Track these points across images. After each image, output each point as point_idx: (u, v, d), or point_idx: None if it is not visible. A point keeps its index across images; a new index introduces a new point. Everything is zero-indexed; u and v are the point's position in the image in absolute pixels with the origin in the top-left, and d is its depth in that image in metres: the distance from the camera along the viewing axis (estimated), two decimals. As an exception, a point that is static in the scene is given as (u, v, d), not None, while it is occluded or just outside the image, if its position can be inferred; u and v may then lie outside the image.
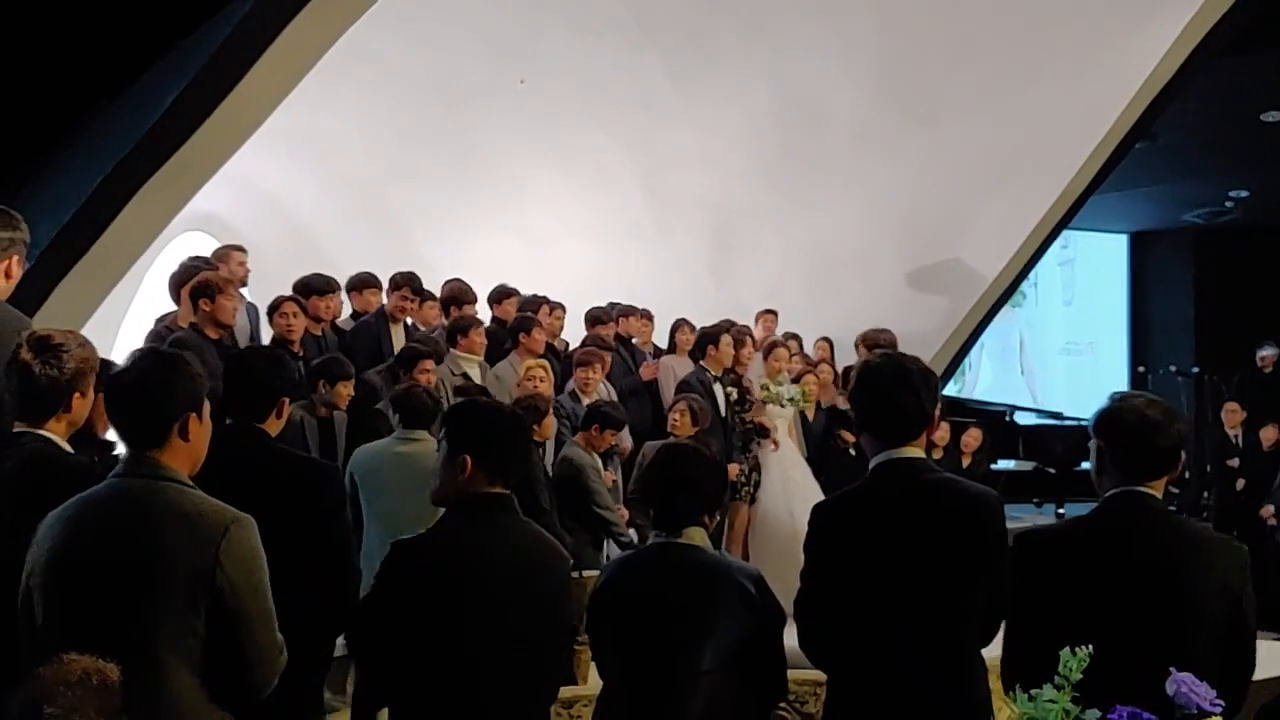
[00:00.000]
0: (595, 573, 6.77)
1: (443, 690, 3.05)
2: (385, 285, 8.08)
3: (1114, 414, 3.15)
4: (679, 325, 9.55)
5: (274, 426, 3.82)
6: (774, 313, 10.84)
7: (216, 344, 6.24)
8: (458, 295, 8.31)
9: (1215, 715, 1.95)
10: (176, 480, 2.75)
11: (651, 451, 7.57)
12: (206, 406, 2.87)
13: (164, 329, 6.82)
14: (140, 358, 2.93)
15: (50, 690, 1.86)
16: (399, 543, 3.24)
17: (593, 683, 6.41)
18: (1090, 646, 2.01)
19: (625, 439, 8.17)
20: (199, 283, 6.44)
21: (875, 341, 8.65)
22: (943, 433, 10.74)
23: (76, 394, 3.23)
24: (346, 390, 6.37)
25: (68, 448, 3.26)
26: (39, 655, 2.33)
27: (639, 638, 3.30)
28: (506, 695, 3.07)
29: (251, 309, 7.50)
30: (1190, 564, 3.00)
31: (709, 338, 8.62)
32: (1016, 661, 3.07)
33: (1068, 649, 1.88)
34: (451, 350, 7.43)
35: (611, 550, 7.46)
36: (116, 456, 3.07)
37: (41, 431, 3.21)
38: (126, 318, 10.29)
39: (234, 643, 2.68)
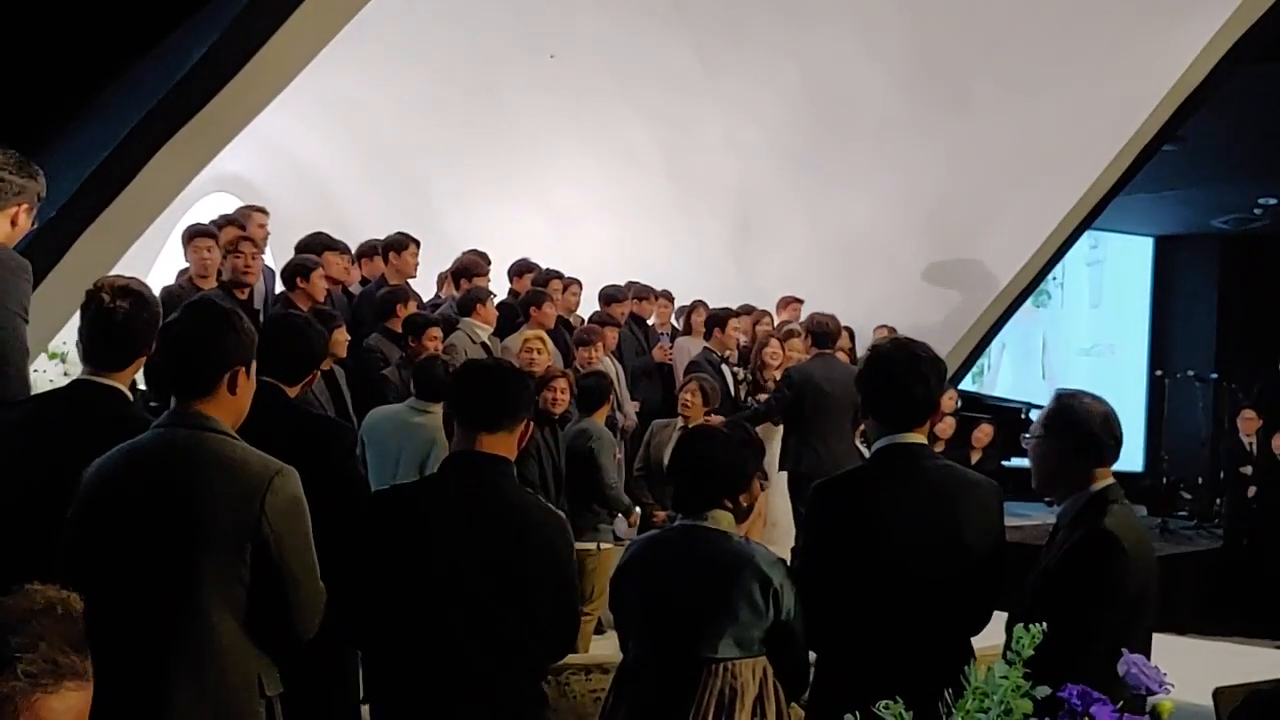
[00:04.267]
0: (610, 546, 6.83)
1: (409, 641, 3.04)
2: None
3: (1078, 409, 3.19)
4: (695, 306, 9.59)
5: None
6: (799, 300, 10.74)
7: (245, 304, 6.30)
8: (469, 267, 8.32)
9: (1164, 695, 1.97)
10: (221, 431, 2.78)
11: (659, 429, 7.65)
12: (254, 364, 2.91)
13: (178, 286, 6.88)
14: (195, 308, 2.96)
15: (14, 620, 1.87)
16: (375, 492, 3.29)
17: (584, 652, 6.46)
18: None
19: (630, 414, 8.21)
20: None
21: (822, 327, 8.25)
22: (946, 426, 10.72)
23: (150, 345, 3.17)
24: (343, 337, 6.32)
25: (130, 398, 3.25)
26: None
27: (658, 620, 3.28)
28: (476, 655, 3.01)
29: (268, 272, 7.52)
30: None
31: (716, 320, 8.79)
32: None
33: (1020, 625, 1.89)
34: (466, 319, 7.44)
35: (619, 525, 7.52)
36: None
37: (112, 383, 3.17)
38: (151, 274, 10.35)
39: (278, 591, 2.73)
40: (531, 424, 3.28)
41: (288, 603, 2.75)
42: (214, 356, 2.81)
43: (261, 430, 2.94)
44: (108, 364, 3.17)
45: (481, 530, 3.04)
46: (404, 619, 3.04)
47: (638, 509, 7.25)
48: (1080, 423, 3.18)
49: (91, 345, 3.18)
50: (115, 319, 3.11)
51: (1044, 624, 1.85)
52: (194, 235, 6.88)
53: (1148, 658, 2.25)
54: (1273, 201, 15.01)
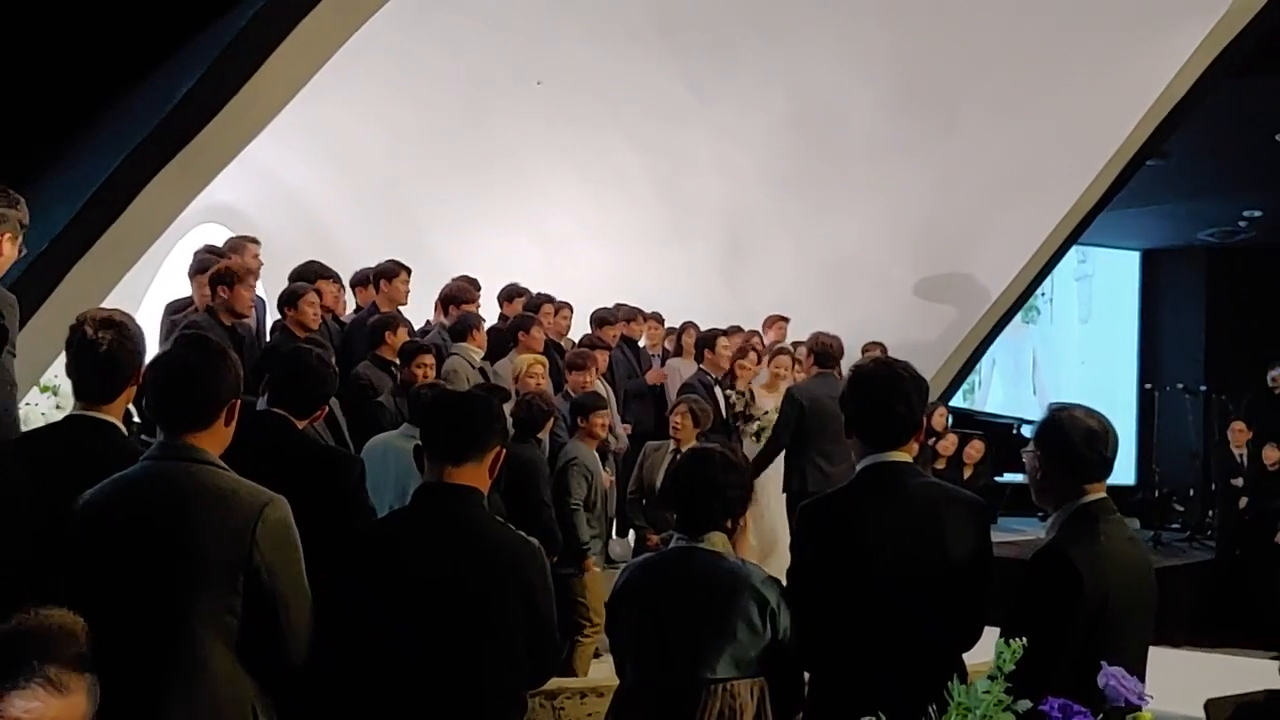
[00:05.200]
0: (598, 571, 6.78)
1: (385, 674, 3.01)
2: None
3: (1064, 424, 3.20)
4: (685, 328, 9.62)
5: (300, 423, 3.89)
6: (785, 319, 10.79)
7: (230, 331, 6.32)
8: (457, 294, 8.35)
9: (1144, 709, 1.99)
10: (211, 463, 2.82)
11: (652, 451, 7.65)
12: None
13: (179, 314, 6.91)
14: (190, 344, 3.03)
15: (21, 641, 1.92)
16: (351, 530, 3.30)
17: (582, 675, 6.45)
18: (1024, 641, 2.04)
19: (621, 438, 8.21)
20: (221, 270, 6.53)
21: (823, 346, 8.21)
22: (948, 443, 10.76)
23: (138, 374, 3.18)
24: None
25: (124, 432, 3.26)
26: None
27: (657, 642, 3.28)
28: (453, 685, 2.99)
29: (259, 301, 7.53)
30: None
31: (706, 341, 8.82)
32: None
33: (1001, 640, 1.92)
34: (460, 344, 7.46)
35: (613, 548, 7.50)
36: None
37: (104, 416, 3.17)
38: (142, 306, 10.38)
39: (270, 620, 2.76)
40: (504, 453, 3.25)
41: (280, 630, 2.78)
42: (215, 391, 2.86)
43: (271, 461, 2.99)
44: (98, 397, 3.18)
45: (450, 560, 3.02)
46: (378, 651, 3.01)
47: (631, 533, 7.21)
48: (1062, 438, 3.19)
49: (80, 379, 3.20)
50: (99, 351, 3.13)
51: (1024, 639, 1.89)
52: (200, 271, 6.91)
53: (1136, 672, 2.28)
54: (1257, 214, 15.11)
